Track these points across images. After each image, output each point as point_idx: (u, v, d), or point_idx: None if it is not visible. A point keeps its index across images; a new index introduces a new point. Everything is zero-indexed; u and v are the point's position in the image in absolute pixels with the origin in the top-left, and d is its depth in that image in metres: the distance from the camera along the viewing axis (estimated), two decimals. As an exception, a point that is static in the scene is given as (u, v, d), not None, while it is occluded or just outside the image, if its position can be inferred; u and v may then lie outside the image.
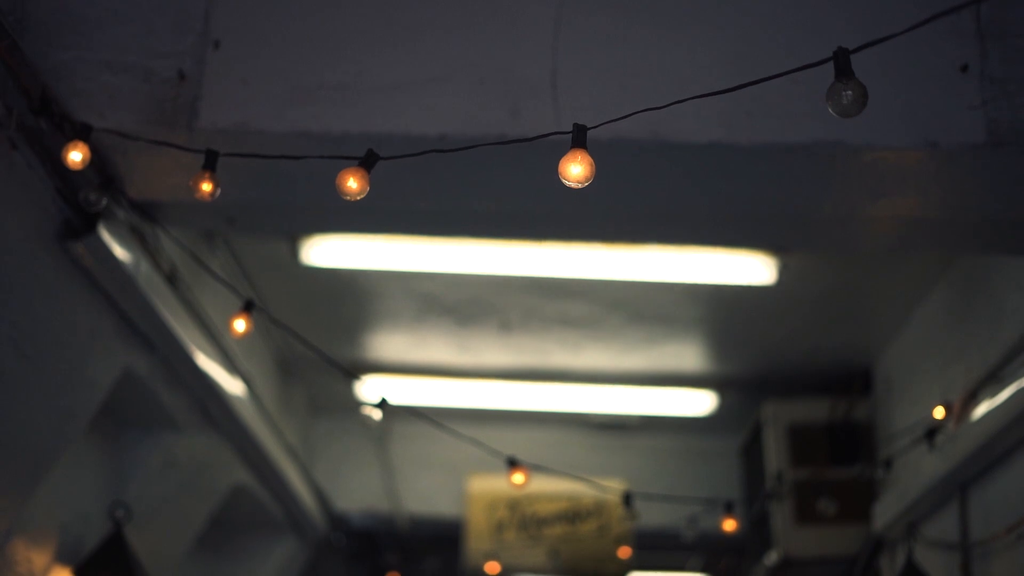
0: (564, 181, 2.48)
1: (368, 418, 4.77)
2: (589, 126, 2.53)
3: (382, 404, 4.05)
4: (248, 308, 3.87)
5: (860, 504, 6.43)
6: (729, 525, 4.59)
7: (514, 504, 7.88)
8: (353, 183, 2.64)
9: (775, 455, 6.57)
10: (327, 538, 8.05)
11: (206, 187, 2.86)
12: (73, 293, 3.99)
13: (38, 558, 4.46)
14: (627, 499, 4.44)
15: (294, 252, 5.24)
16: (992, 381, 4.80)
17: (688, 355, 6.65)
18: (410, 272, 5.61)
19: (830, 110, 2.39)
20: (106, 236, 3.86)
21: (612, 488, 5.77)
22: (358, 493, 8.04)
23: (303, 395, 7.62)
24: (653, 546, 10.06)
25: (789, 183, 3.74)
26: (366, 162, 2.67)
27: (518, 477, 4.16)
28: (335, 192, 2.71)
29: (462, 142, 3.39)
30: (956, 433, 4.95)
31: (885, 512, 5.90)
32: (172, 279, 4.51)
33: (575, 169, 2.45)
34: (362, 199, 2.76)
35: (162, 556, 5.38)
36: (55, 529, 4.61)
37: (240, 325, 3.85)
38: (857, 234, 4.17)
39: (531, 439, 7.80)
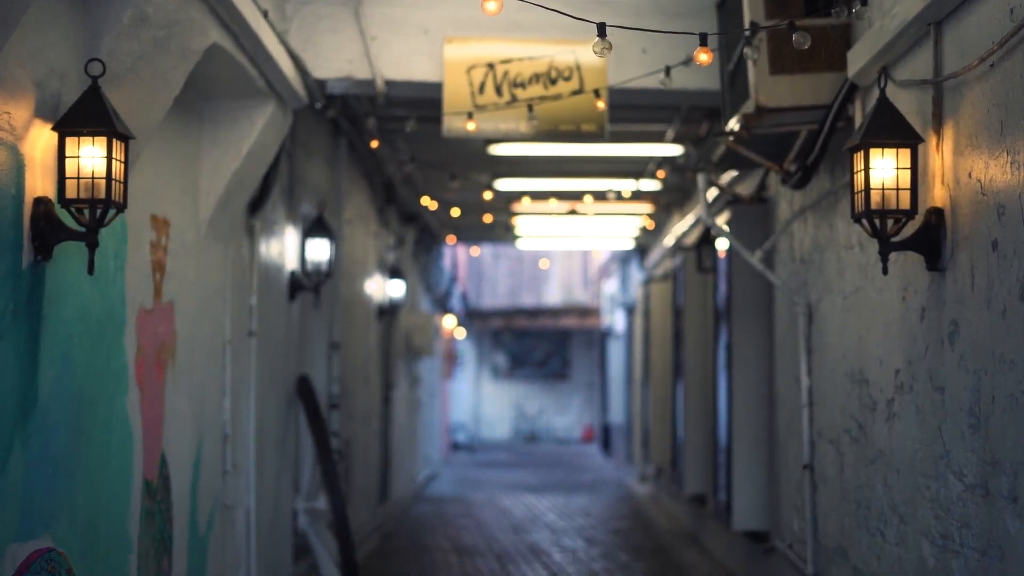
0: None
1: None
2: None
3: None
4: None
5: (835, 54, 6.43)
6: (703, 57, 4.59)
7: (491, 66, 7.85)
8: None
9: (751, 7, 6.50)
10: (307, 106, 8.08)
11: None
12: None
13: (17, 112, 4.49)
14: (601, 29, 4.39)
15: None
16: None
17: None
18: None
19: None
20: None
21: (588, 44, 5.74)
22: (335, 62, 7.99)
23: (273, -39, 7.46)
24: (631, 117, 10.19)
25: None
26: None
27: (491, 5, 4.12)
28: None
29: None
30: (934, -34, 4.90)
31: (859, 57, 5.91)
32: None
33: None
34: None
35: (140, 115, 5.39)
36: (31, 85, 4.62)
37: None
38: None
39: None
